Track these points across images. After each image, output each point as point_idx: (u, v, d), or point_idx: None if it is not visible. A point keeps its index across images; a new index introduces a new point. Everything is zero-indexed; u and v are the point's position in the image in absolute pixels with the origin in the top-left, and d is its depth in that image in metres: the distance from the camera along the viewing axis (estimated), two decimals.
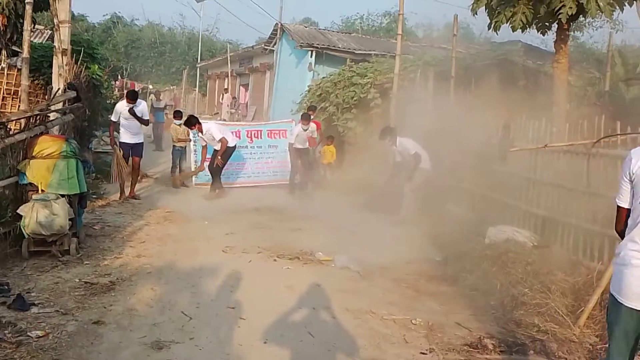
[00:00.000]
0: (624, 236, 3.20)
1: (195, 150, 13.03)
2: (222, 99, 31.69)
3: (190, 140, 13.25)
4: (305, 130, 13.11)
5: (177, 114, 14.62)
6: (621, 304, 3.07)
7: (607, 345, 3.36)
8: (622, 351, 3.13)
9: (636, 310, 3.03)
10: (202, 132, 11.89)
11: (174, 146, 13.90)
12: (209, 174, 12.46)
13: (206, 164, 12.35)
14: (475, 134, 10.17)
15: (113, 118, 11.27)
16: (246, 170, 13.38)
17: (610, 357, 3.21)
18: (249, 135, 13.54)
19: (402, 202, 10.13)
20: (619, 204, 3.27)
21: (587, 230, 6.98)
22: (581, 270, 6.62)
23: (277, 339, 5.13)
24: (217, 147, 11.81)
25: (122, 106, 11.09)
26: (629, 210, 3.19)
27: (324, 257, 7.83)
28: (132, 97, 11.14)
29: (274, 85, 25.42)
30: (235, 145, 12.29)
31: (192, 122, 12.03)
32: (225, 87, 33.52)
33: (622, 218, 3.24)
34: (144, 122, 11.31)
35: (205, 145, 12.21)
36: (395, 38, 14.46)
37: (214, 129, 11.89)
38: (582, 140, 7.35)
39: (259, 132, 13.76)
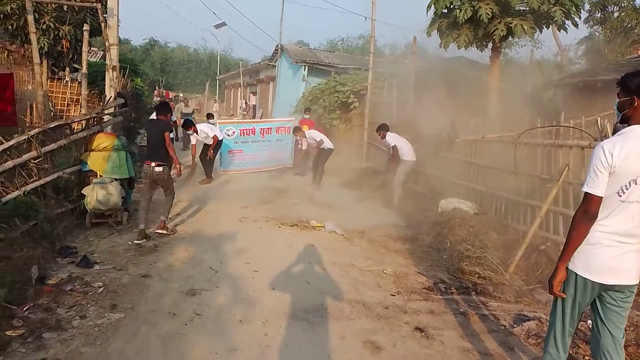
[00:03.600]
0: (586, 221, 2.73)
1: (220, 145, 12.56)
2: (240, 104, 31.92)
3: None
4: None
5: (210, 116, 14.54)
6: (586, 279, 2.78)
7: (550, 310, 3.06)
8: (574, 319, 2.93)
9: (602, 284, 2.76)
10: (197, 132, 11.18)
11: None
12: (227, 162, 12.39)
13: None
14: (430, 129, 10.16)
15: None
16: (259, 158, 13.22)
17: (564, 325, 2.95)
18: (262, 132, 13.33)
19: (393, 194, 9.81)
20: (593, 193, 2.69)
21: (514, 201, 7.01)
22: (510, 231, 6.67)
23: (281, 286, 5.15)
24: (209, 142, 11.39)
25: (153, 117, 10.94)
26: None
27: (316, 224, 7.82)
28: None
29: (276, 92, 25.22)
30: (222, 140, 11.90)
31: (188, 124, 11.22)
32: (243, 96, 33.37)
33: (595, 205, 2.70)
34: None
35: (195, 144, 11.47)
36: (369, 55, 14.35)
37: (206, 129, 11.45)
38: (510, 132, 7.37)
39: (269, 129, 13.50)
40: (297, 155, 13.36)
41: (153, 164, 6.67)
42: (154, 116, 9.61)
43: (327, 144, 11.56)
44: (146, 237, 6.51)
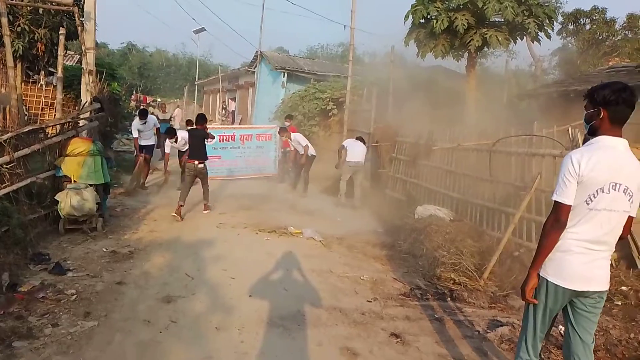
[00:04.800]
0: (556, 229, 2.78)
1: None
2: (219, 110, 31.64)
3: None
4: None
5: (189, 123, 14.06)
6: (558, 285, 2.83)
7: (523, 315, 3.01)
8: (545, 325, 2.98)
9: (573, 290, 2.81)
10: (177, 140, 11.01)
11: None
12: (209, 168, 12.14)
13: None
14: (408, 136, 10.28)
15: (134, 135, 11.01)
16: (238, 165, 13.04)
17: (535, 332, 2.99)
18: (242, 139, 13.18)
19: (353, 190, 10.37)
20: (562, 202, 2.74)
21: (489, 208, 7.12)
22: (485, 237, 6.75)
23: (259, 293, 5.14)
24: (184, 149, 11.12)
25: (137, 122, 11.00)
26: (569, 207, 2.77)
27: (295, 230, 7.82)
28: (143, 114, 11.02)
29: (255, 98, 25.18)
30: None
31: (171, 133, 11.06)
32: (222, 101, 33.17)
33: (564, 213, 2.75)
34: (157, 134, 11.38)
35: (169, 152, 11.34)
36: (348, 63, 14.45)
37: (185, 136, 11.42)
38: (485, 140, 7.49)
39: (250, 135, 13.36)
40: (285, 169, 13.09)
41: (196, 162, 8.62)
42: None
43: (312, 150, 11.59)
44: (180, 215, 8.18)
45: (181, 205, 8.30)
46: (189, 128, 10.15)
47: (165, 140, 11.19)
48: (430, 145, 9.10)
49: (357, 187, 10.36)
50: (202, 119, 9.04)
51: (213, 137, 9.58)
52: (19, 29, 11.94)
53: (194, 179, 8.79)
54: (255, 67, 25.34)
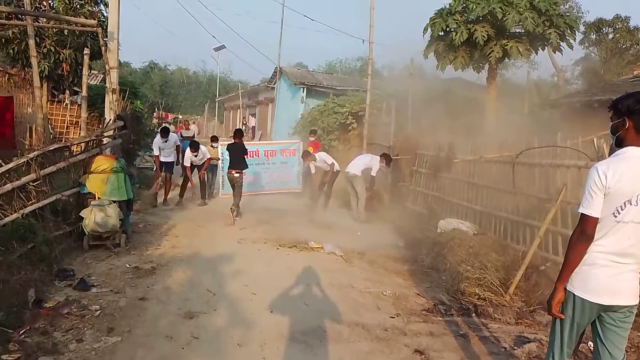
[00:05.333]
0: (582, 242, 2.74)
1: (223, 168, 12.12)
2: (241, 125, 31.93)
3: (219, 159, 12.38)
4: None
5: (214, 139, 13.77)
6: (584, 299, 2.77)
7: (549, 330, 2.98)
8: (572, 340, 2.91)
9: (600, 304, 2.75)
10: (197, 155, 11.28)
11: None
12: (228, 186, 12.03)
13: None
14: (428, 149, 10.22)
15: (155, 152, 11.14)
16: (263, 181, 12.97)
17: (562, 347, 2.92)
18: (266, 154, 13.18)
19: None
20: (589, 214, 2.70)
21: (513, 221, 7.01)
22: (510, 251, 6.63)
23: (280, 309, 5.12)
24: (201, 163, 11.41)
25: (158, 139, 11.13)
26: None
27: (315, 245, 7.80)
28: (165, 133, 11.17)
29: (275, 114, 25.40)
30: (217, 162, 12.28)
31: (195, 146, 11.35)
32: (244, 117, 33.53)
33: (591, 226, 2.70)
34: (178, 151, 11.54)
35: (189, 165, 11.33)
36: (367, 77, 14.51)
37: (205, 151, 11.56)
38: (507, 152, 7.41)
39: (274, 151, 13.32)
40: (308, 183, 12.90)
41: (233, 172, 9.84)
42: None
43: (337, 166, 11.43)
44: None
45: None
46: (228, 143, 10.65)
47: (184, 155, 11.33)
48: (452, 158, 9.03)
49: (360, 198, 10.25)
50: (239, 133, 10.43)
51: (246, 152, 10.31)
52: (45, 50, 12.32)
53: (233, 184, 9.92)
54: (275, 82, 25.64)
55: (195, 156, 11.23)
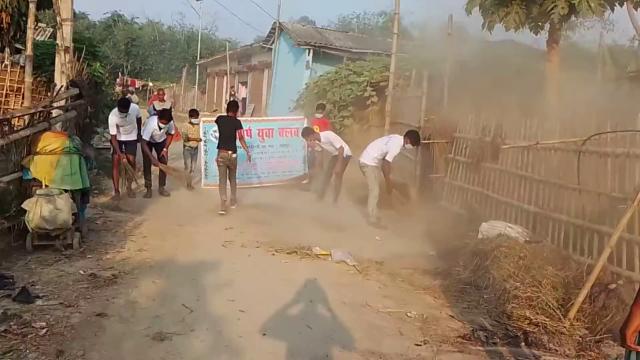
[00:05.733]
0: None
1: (206, 150, 12.28)
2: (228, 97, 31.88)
3: (201, 140, 12.53)
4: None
5: (194, 113, 14.04)
6: None
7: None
8: None
9: None
10: (160, 128, 11.42)
11: (184, 146, 13.52)
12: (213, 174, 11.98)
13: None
14: (468, 132, 10.19)
15: (112, 131, 10.87)
16: (258, 170, 12.59)
17: None
18: (260, 134, 12.79)
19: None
20: None
21: (577, 226, 6.99)
22: (571, 264, 6.62)
23: (275, 331, 5.15)
24: (161, 140, 11.65)
25: (115, 114, 10.83)
26: None
27: (321, 251, 7.83)
28: (124, 106, 10.84)
29: (272, 83, 25.41)
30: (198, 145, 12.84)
31: (167, 116, 11.57)
32: (232, 86, 33.53)
33: None
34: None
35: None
36: (391, 37, 14.45)
37: (171, 126, 11.76)
38: (572, 138, 7.37)
39: (271, 130, 12.97)
40: (313, 171, 12.87)
41: (230, 152, 10.15)
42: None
43: (347, 150, 11.47)
44: (226, 209, 10.10)
45: (225, 201, 10.20)
46: (218, 115, 11.03)
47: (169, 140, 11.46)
48: (499, 144, 9.00)
49: (370, 194, 10.25)
50: (234, 105, 11.10)
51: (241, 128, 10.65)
52: None
53: (226, 170, 10.30)
54: (273, 43, 25.63)
55: (159, 130, 11.28)
